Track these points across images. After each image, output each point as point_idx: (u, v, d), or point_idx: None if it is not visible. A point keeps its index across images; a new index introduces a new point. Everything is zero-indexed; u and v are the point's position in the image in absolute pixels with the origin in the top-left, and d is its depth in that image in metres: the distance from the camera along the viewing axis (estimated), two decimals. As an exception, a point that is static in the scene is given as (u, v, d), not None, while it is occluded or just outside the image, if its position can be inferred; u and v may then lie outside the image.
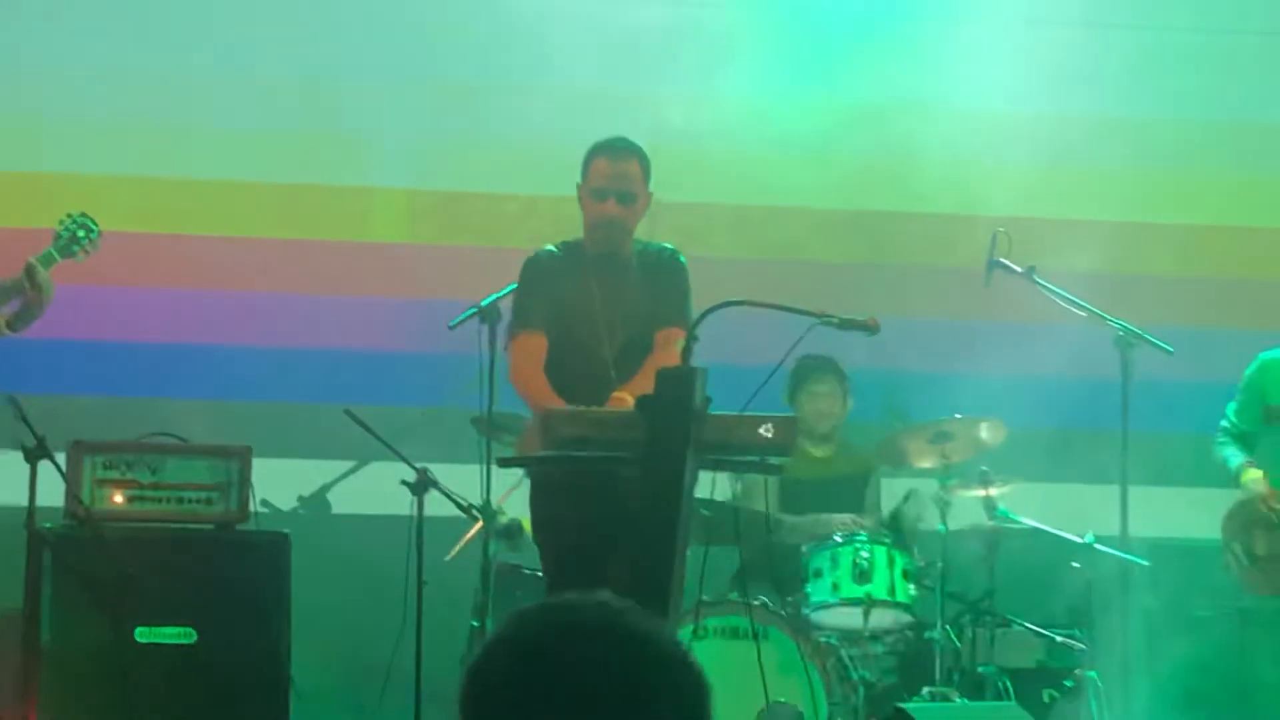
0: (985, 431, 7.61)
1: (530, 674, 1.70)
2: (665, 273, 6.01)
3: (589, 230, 5.98)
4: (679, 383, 4.94)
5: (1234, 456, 7.17)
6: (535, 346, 5.92)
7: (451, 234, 8.63)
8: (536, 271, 6.02)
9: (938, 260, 8.48)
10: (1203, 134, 8.89)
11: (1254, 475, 7.23)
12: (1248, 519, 6.92)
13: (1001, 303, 7.61)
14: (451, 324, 6.71)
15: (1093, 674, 7.34)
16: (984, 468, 7.55)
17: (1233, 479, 7.30)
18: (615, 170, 5.90)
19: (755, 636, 6.26)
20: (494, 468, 6.19)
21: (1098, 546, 7.36)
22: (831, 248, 8.76)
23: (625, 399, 5.34)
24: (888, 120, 8.77)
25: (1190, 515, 8.10)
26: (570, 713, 1.67)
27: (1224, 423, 7.36)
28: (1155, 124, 8.86)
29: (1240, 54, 8.93)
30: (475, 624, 7.07)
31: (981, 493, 7.53)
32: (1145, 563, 7.28)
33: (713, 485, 6.46)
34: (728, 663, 6.49)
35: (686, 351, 5.05)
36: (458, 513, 7.09)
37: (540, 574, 6.38)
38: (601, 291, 5.91)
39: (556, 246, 6.07)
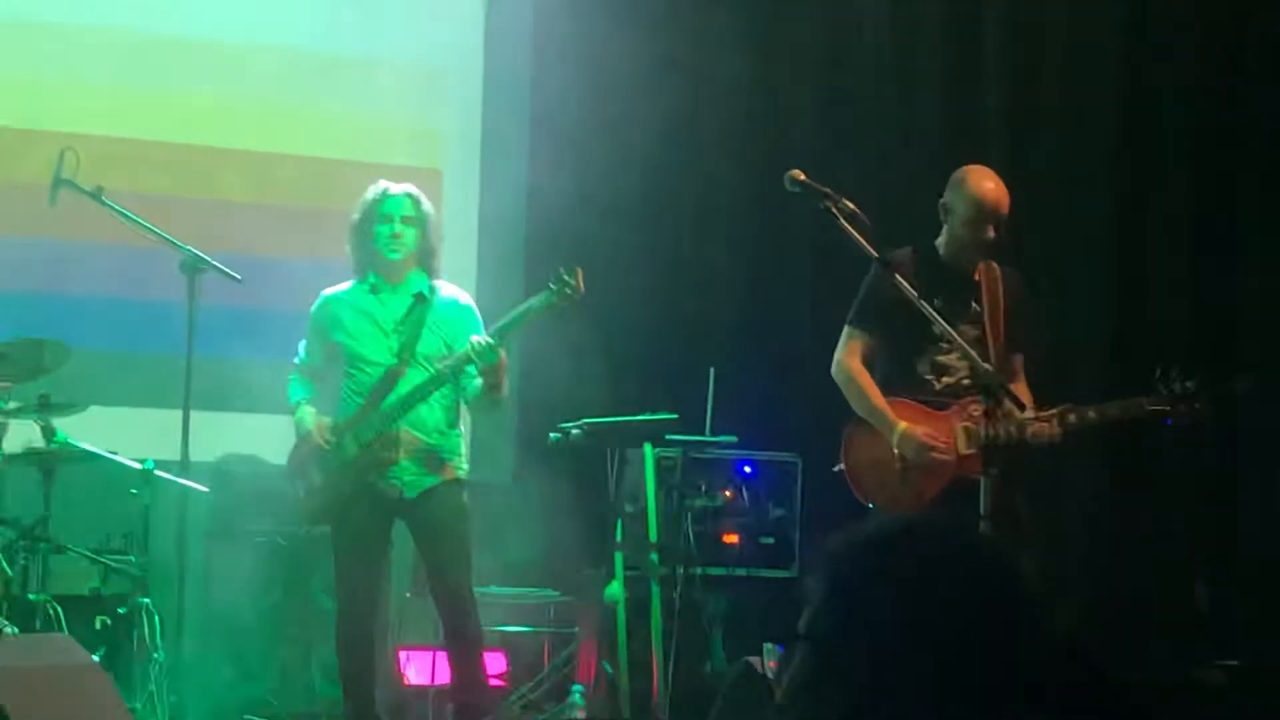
0: (46, 354, 7.39)
1: None
2: None
3: None
4: None
5: (294, 394, 7.09)
6: None
7: None
8: None
9: (2, 176, 8.17)
10: (280, 62, 8.92)
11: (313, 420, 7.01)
12: (306, 453, 6.93)
13: (69, 221, 7.42)
14: None
15: (146, 600, 7.31)
16: (43, 391, 7.34)
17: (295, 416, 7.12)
18: None
19: None
20: None
21: (157, 472, 7.31)
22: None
23: None
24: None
25: (253, 440, 8.20)
26: None
27: (296, 359, 7.20)
28: (236, 49, 8.80)
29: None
30: None
31: (40, 417, 7.31)
32: (205, 489, 7.30)
33: None
34: None
35: None
36: None
37: None
38: None
39: None
